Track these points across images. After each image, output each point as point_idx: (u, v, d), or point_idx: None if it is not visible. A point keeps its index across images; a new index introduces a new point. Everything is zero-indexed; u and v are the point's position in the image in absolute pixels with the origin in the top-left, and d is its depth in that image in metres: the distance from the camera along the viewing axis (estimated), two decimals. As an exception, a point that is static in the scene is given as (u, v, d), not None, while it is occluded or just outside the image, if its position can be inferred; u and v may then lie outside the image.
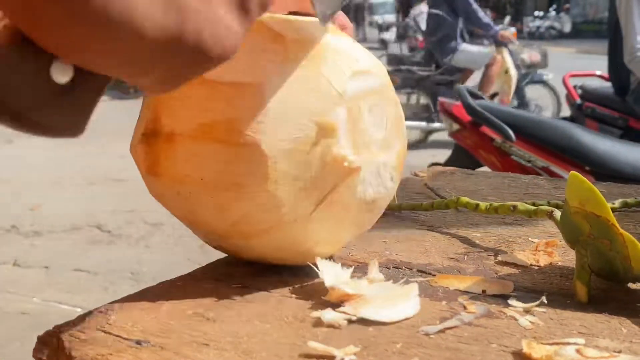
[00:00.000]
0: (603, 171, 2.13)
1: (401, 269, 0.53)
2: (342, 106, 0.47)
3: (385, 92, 0.51)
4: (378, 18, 16.39)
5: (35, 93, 0.28)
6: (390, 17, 16.45)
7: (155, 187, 0.49)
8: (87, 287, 2.83)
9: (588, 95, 3.16)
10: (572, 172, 0.49)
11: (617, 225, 0.45)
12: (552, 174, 2.22)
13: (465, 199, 0.63)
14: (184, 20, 0.29)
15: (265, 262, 0.51)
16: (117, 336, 0.40)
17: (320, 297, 0.46)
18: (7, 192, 4.31)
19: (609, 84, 3.08)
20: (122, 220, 3.72)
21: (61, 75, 0.28)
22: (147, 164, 0.47)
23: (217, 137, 0.44)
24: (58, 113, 0.29)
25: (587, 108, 3.10)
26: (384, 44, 10.97)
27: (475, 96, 2.50)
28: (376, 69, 0.51)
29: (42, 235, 3.51)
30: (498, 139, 2.34)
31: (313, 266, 0.47)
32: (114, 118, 6.25)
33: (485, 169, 2.49)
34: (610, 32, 2.94)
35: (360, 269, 0.51)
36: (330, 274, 0.47)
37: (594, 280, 0.49)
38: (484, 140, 2.42)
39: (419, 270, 0.53)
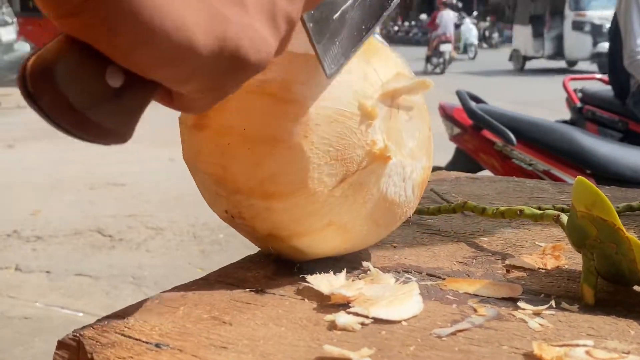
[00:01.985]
0: (604, 174, 2.14)
1: (410, 272, 0.54)
2: (372, 103, 0.50)
3: (422, 109, 0.54)
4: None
5: (92, 94, 0.30)
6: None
7: (193, 143, 0.52)
8: (89, 292, 2.84)
9: (588, 98, 3.17)
10: (578, 177, 0.49)
11: (624, 229, 0.46)
12: (553, 178, 2.23)
13: (472, 204, 0.64)
14: (225, 30, 0.32)
15: (278, 238, 0.52)
16: (137, 339, 0.41)
17: (328, 300, 0.47)
18: (8, 197, 4.31)
19: (608, 87, 3.09)
20: (123, 224, 3.73)
21: (114, 79, 0.31)
22: (196, 116, 0.50)
23: (269, 91, 0.48)
24: (111, 115, 0.31)
25: (587, 111, 3.11)
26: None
27: (476, 100, 2.51)
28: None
29: (43, 240, 3.52)
30: (499, 142, 2.36)
31: (307, 282, 0.49)
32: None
33: (488, 173, 2.50)
34: (610, 36, 2.96)
35: (356, 271, 0.52)
36: (324, 283, 0.49)
37: (600, 283, 0.50)
38: (485, 143, 2.43)
39: (428, 274, 0.54)
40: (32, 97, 0.29)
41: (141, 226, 3.72)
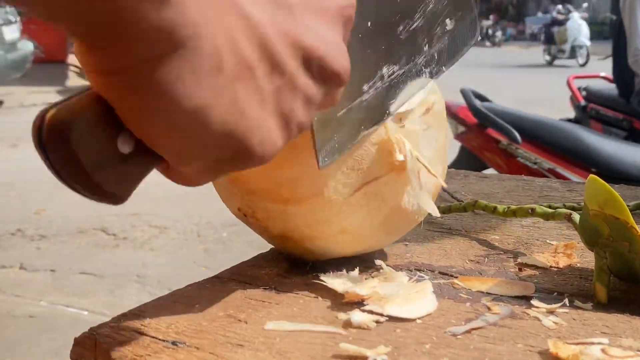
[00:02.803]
0: (609, 173, 2.14)
1: (423, 271, 0.54)
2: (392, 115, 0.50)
3: (440, 118, 0.55)
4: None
5: (102, 156, 0.31)
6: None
7: None
8: (93, 290, 2.85)
9: (592, 96, 3.17)
10: (591, 175, 0.50)
11: (636, 227, 0.46)
12: (558, 176, 2.23)
13: (483, 202, 0.64)
14: (239, 122, 0.33)
15: (290, 239, 0.52)
16: (153, 337, 0.41)
17: (342, 298, 0.48)
18: (11, 196, 4.32)
19: (613, 86, 3.09)
20: (127, 223, 3.74)
21: (125, 145, 0.32)
22: None
23: None
24: (114, 178, 0.32)
25: (591, 110, 3.11)
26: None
27: (480, 98, 2.51)
28: (439, 94, 0.55)
29: (47, 238, 3.53)
30: (504, 141, 2.36)
31: (320, 281, 0.49)
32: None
33: (492, 171, 2.50)
34: (614, 34, 2.96)
35: (369, 270, 0.52)
36: (337, 282, 0.49)
37: (614, 282, 0.50)
38: (489, 142, 2.43)
39: (440, 272, 0.54)
40: (45, 149, 0.30)
41: (145, 225, 3.72)
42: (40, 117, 0.30)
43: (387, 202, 0.51)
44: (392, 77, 0.48)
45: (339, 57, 0.37)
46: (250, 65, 0.33)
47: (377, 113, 0.48)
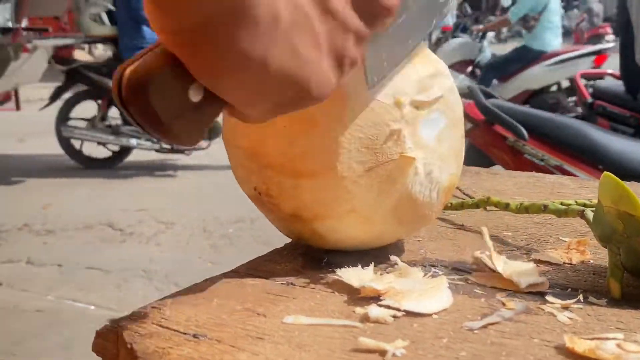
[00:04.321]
0: (616, 170, 2.13)
1: (437, 266, 0.55)
2: (421, 94, 0.52)
3: (457, 116, 0.56)
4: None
5: (176, 107, 0.34)
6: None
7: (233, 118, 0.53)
8: (100, 285, 2.86)
9: (599, 94, 3.16)
10: (605, 172, 0.50)
11: None
12: (565, 173, 2.23)
13: (495, 199, 0.65)
14: (299, 66, 0.36)
15: (300, 219, 0.53)
16: (175, 330, 0.42)
17: (358, 293, 0.48)
18: (18, 191, 4.34)
19: (620, 83, 3.08)
20: (133, 218, 3.75)
21: (195, 95, 0.35)
22: None
23: None
24: (187, 124, 0.35)
25: (598, 107, 3.10)
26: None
27: (488, 95, 2.51)
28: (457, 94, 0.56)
29: (54, 233, 3.55)
30: (511, 137, 2.35)
31: (336, 275, 0.50)
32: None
33: (499, 168, 2.50)
34: (621, 31, 2.95)
35: (383, 265, 0.53)
36: (353, 277, 0.50)
37: (627, 278, 0.50)
38: (496, 139, 2.43)
39: (454, 268, 0.55)
40: (124, 103, 0.33)
41: (152, 220, 3.74)
42: (119, 75, 0.33)
43: (398, 188, 0.52)
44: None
45: None
46: (304, 11, 0.35)
47: (421, 27, 0.50)
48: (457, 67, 6.18)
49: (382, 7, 0.39)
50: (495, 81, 5.71)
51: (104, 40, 5.26)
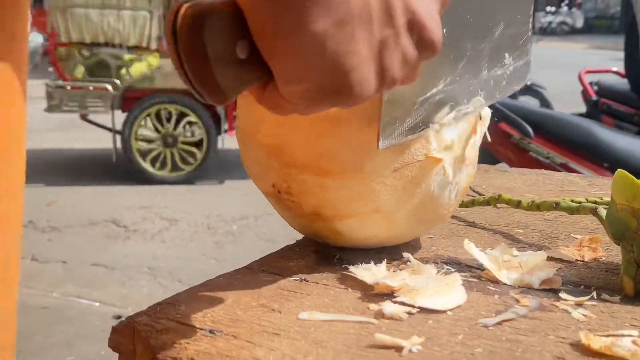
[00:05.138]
0: (621, 168, 2.13)
1: (449, 264, 0.55)
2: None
3: (477, 125, 0.56)
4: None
5: (223, 53, 0.34)
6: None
7: (255, 114, 0.53)
8: (104, 282, 2.87)
9: (604, 91, 3.16)
10: (619, 170, 0.50)
11: None
12: (570, 171, 2.22)
13: (507, 196, 0.65)
14: (350, 56, 0.37)
15: (321, 218, 0.53)
16: (191, 326, 0.42)
17: (371, 289, 0.48)
18: (23, 188, 4.34)
19: (625, 81, 3.07)
20: (137, 216, 3.76)
21: (242, 50, 0.35)
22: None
23: None
24: (226, 77, 0.35)
25: (603, 104, 3.10)
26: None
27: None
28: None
29: (59, 230, 3.55)
30: (516, 135, 2.35)
31: (349, 272, 0.50)
32: (127, 114, 6.27)
33: (504, 166, 2.50)
34: (626, 29, 2.94)
35: (395, 262, 0.53)
36: (367, 273, 0.50)
37: (640, 275, 0.50)
38: (502, 136, 2.43)
39: (467, 265, 0.55)
40: (176, 35, 0.33)
41: (156, 217, 3.74)
42: (177, 7, 0.33)
43: (422, 188, 0.52)
44: (454, 85, 0.50)
45: (436, 28, 0.40)
46: (371, 9, 0.36)
47: (435, 115, 0.51)
48: None
49: (428, 40, 0.40)
50: None
51: None
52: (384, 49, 0.38)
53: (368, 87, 0.38)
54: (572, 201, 0.65)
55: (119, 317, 2.46)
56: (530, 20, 0.57)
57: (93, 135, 5.42)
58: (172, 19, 0.33)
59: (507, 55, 0.55)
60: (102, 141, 5.12)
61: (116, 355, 0.44)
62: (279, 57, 0.35)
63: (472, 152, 0.56)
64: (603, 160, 2.21)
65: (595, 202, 0.67)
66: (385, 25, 0.37)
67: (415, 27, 0.39)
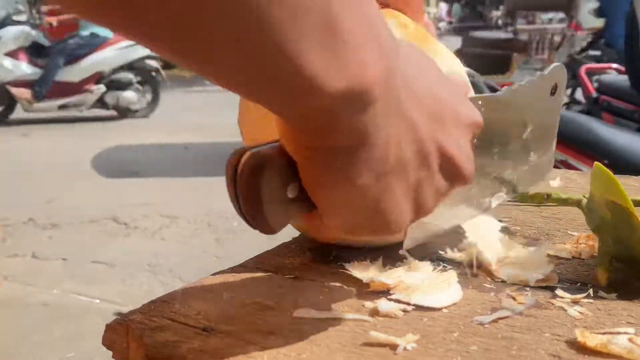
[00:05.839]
0: (621, 164, 2.14)
1: (445, 261, 0.55)
2: None
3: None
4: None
5: (276, 197, 0.38)
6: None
7: (262, 120, 0.52)
8: (105, 279, 2.87)
9: (604, 88, 3.15)
10: (596, 162, 0.51)
11: (635, 214, 0.47)
12: (570, 168, 2.22)
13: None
14: (387, 202, 0.39)
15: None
16: (184, 324, 0.42)
17: (367, 287, 0.48)
18: (23, 185, 4.35)
19: (625, 77, 3.07)
20: (137, 213, 3.76)
21: (292, 192, 0.39)
22: None
23: None
24: (276, 215, 0.38)
25: (603, 101, 3.09)
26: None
27: (492, 89, 2.50)
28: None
29: (59, 227, 3.56)
30: (516, 132, 2.35)
31: (344, 270, 0.50)
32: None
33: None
34: (626, 26, 2.94)
35: (393, 260, 0.53)
36: (362, 271, 0.50)
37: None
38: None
39: (462, 263, 0.54)
40: (235, 180, 0.37)
41: (156, 214, 3.74)
42: (237, 157, 0.37)
43: None
44: (480, 189, 0.52)
45: (468, 164, 0.43)
46: (407, 161, 0.39)
47: (460, 218, 0.53)
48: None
49: (461, 174, 0.42)
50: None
51: None
52: (419, 189, 0.41)
53: (403, 223, 0.41)
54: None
55: (119, 314, 2.46)
56: (558, 120, 0.59)
57: (94, 133, 5.40)
58: (235, 164, 0.37)
59: (532, 153, 0.56)
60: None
61: (114, 352, 0.44)
62: (324, 202, 0.39)
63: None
64: (603, 157, 2.20)
65: (584, 196, 0.67)
66: (420, 170, 0.40)
67: (449, 164, 0.41)
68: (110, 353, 0.43)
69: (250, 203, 0.37)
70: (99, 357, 2.19)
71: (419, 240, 0.51)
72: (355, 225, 0.40)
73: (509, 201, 0.69)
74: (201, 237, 3.38)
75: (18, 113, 6.66)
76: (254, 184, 0.37)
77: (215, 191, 4.20)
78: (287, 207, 0.39)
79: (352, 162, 0.36)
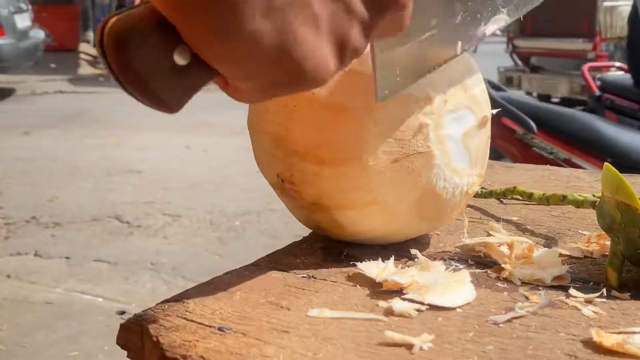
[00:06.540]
0: (625, 163, 2.14)
1: (457, 260, 0.55)
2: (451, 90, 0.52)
3: (486, 125, 0.56)
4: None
5: (158, 67, 0.33)
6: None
7: (264, 103, 0.53)
8: (108, 278, 2.87)
9: (607, 86, 3.15)
10: (605, 163, 0.51)
11: None
12: (573, 166, 2.22)
13: (521, 188, 0.66)
14: (295, 46, 0.35)
15: (321, 208, 0.53)
16: (200, 323, 0.42)
17: (380, 286, 0.48)
18: (25, 184, 4.35)
19: (628, 76, 3.06)
20: (140, 211, 3.76)
21: (181, 58, 0.33)
22: None
23: None
24: (170, 89, 0.34)
25: (606, 99, 3.09)
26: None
27: (496, 88, 2.50)
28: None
29: (61, 226, 3.55)
30: (519, 131, 2.35)
31: (357, 269, 0.50)
32: (131, 110, 6.28)
33: (508, 161, 2.50)
34: (629, 24, 2.93)
35: (403, 259, 0.53)
36: (375, 270, 0.49)
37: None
38: (505, 132, 2.42)
39: (475, 262, 0.54)
40: (105, 54, 0.32)
41: (158, 213, 3.74)
42: (103, 24, 0.33)
43: (422, 182, 0.51)
44: (464, 15, 0.48)
45: None
46: None
47: (446, 51, 0.48)
48: None
49: None
50: None
51: None
52: (335, 24, 0.36)
53: (326, 68, 0.36)
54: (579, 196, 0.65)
55: (122, 312, 2.46)
56: None
57: (97, 131, 5.40)
58: (100, 36, 0.33)
59: None
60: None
61: (120, 350, 0.44)
62: (221, 62, 0.34)
63: (479, 150, 0.55)
64: (606, 155, 2.20)
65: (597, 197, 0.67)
66: (326, 0, 0.35)
67: None
68: (113, 352, 0.43)
69: (128, 76, 0.33)
70: (102, 355, 2.20)
71: (392, 87, 0.46)
72: (269, 83, 0.36)
73: (518, 201, 0.69)
74: (203, 236, 3.37)
75: (18, 110, 6.67)
76: (124, 54, 0.32)
77: (217, 190, 4.20)
78: (180, 77, 0.34)
79: (232, 4, 0.32)
